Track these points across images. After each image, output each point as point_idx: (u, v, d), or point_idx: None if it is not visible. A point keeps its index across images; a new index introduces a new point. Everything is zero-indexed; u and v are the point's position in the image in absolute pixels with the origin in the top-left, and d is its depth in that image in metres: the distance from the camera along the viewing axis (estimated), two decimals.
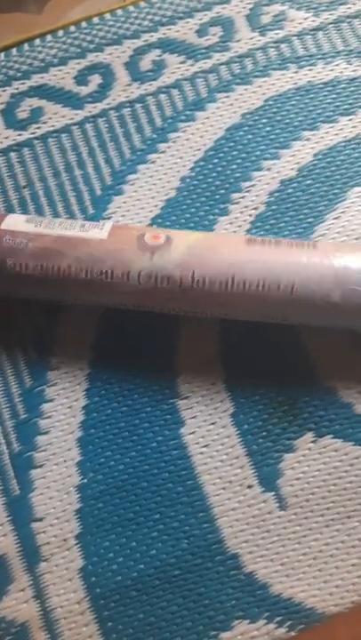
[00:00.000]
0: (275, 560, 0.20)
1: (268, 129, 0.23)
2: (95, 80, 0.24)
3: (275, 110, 0.23)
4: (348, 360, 0.21)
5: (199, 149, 0.23)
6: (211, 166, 0.23)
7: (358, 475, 0.20)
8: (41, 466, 0.20)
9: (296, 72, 0.24)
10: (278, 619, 0.19)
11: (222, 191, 0.23)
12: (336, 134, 0.23)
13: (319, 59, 0.24)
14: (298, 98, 0.23)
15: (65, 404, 0.21)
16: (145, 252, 0.19)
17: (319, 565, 0.20)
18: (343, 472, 0.20)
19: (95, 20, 0.25)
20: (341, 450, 0.20)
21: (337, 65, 0.24)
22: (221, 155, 0.23)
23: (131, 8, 0.25)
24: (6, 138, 0.23)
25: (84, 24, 0.25)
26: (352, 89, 0.23)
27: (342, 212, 0.22)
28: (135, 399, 0.21)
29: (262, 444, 0.21)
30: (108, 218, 0.23)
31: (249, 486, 0.20)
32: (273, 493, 0.20)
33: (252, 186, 0.23)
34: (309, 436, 0.21)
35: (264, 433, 0.21)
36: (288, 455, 0.20)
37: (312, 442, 0.21)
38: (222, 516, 0.20)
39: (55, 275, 0.19)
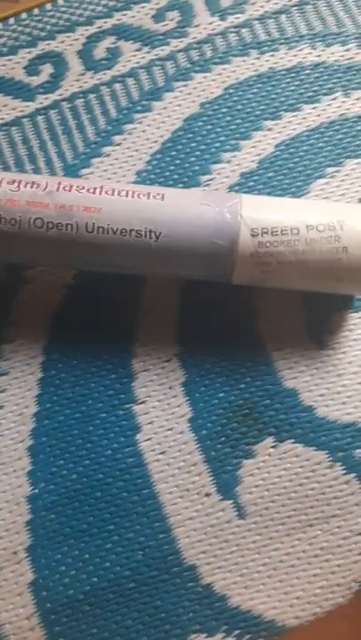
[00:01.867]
0: (233, 571, 0.19)
1: (228, 119, 0.22)
2: (47, 70, 0.23)
3: (235, 99, 0.22)
4: (310, 362, 0.20)
5: (156, 141, 0.22)
6: (168, 159, 0.22)
7: (320, 481, 0.19)
8: None
9: (258, 58, 0.23)
10: (237, 632, 0.19)
11: (180, 185, 0.22)
12: (299, 123, 0.22)
13: (282, 44, 0.23)
14: (259, 85, 0.22)
15: (15, 412, 0.20)
16: None
17: (280, 576, 0.19)
18: (305, 478, 0.19)
19: (48, 6, 0.23)
20: (303, 455, 0.20)
21: (300, 50, 0.23)
22: (179, 147, 0.22)
23: None
24: None
25: (35, 10, 0.23)
26: (316, 75, 0.22)
27: None
28: (89, 405, 0.20)
29: (221, 450, 0.20)
30: None
31: (207, 494, 0.19)
32: (231, 502, 0.19)
33: (212, 179, 0.22)
34: (270, 440, 0.20)
35: (223, 438, 0.20)
36: (247, 461, 0.20)
37: (272, 447, 0.20)
38: (179, 526, 0.19)
39: None
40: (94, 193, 0.18)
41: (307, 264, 0.17)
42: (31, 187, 0.18)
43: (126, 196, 0.18)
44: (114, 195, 0.18)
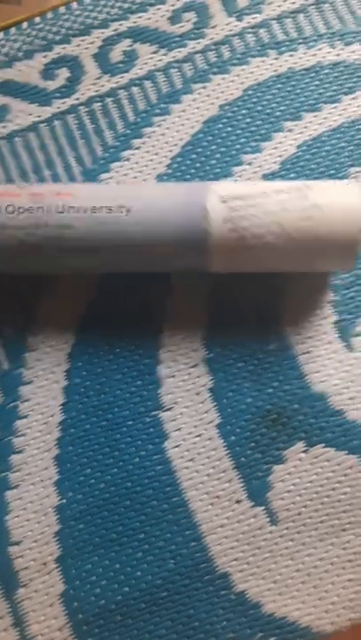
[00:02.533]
0: (267, 578, 0.19)
1: (248, 120, 0.22)
2: (63, 74, 0.22)
3: (255, 100, 0.22)
4: (339, 365, 0.20)
5: (176, 145, 0.22)
6: (188, 162, 0.22)
7: (352, 485, 0.19)
8: (16, 487, 0.19)
9: (276, 58, 0.22)
10: (272, 639, 0.18)
11: None
12: (320, 123, 0.22)
13: (300, 43, 0.22)
14: (279, 86, 0.22)
15: (40, 421, 0.20)
16: None
17: (314, 582, 0.19)
18: (336, 483, 0.19)
19: (62, 9, 0.23)
20: (334, 459, 0.19)
21: (319, 49, 0.22)
22: (199, 150, 0.22)
23: None
24: None
25: (49, 14, 0.23)
26: (336, 74, 0.22)
27: None
28: (115, 413, 0.20)
29: (250, 456, 0.19)
30: None
31: (237, 501, 0.19)
32: (263, 508, 0.19)
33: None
34: (300, 445, 0.19)
35: (252, 444, 0.20)
36: (278, 467, 0.19)
37: (303, 452, 0.19)
38: (210, 534, 0.19)
39: None
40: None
41: (283, 226, 0.17)
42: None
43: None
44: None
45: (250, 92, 0.22)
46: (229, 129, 0.22)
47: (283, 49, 0.22)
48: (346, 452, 0.19)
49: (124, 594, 0.19)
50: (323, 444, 0.19)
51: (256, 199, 0.18)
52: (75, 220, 0.18)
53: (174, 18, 0.23)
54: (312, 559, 0.19)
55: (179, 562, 0.19)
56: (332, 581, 0.19)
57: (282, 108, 0.22)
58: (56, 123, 0.22)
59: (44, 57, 0.23)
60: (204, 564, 0.19)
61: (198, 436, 0.20)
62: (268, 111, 0.22)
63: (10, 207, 0.18)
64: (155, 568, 0.19)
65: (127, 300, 0.20)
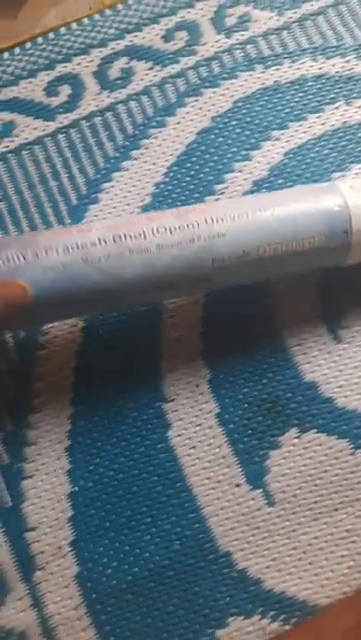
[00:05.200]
0: (266, 556, 0.20)
1: (238, 131, 0.23)
2: (65, 91, 0.24)
3: (244, 112, 0.24)
4: (328, 356, 0.21)
5: (172, 154, 0.23)
6: (184, 171, 0.23)
7: (343, 468, 0.21)
8: (31, 476, 0.21)
9: (263, 72, 0.24)
10: (272, 613, 0.20)
11: (196, 195, 0.23)
12: (305, 132, 0.23)
13: (285, 58, 0.24)
14: (266, 98, 0.24)
15: (51, 415, 0.21)
16: None
17: (309, 559, 0.20)
18: (328, 466, 0.21)
19: (62, 30, 0.25)
20: (325, 444, 0.21)
21: (303, 63, 0.24)
22: (194, 159, 0.23)
23: (97, 17, 0.25)
24: None
25: (51, 35, 0.25)
26: (319, 86, 0.24)
27: None
28: (121, 405, 0.21)
29: (248, 443, 0.21)
30: None
31: (237, 485, 0.21)
32: (261, 490, 0.21)
33: (225, 188, 0.23)
34: (294, 431, 0.21)
35: (249, 431, 0.21)
36: (274, 452, 0.21)
37: (296, 437, 0.21)
38: (212, 516, 0.20)
39: None
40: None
41: None
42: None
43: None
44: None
45: (239, 104, 0.24)
46: (221, 139, 0.23)
47: (269, 63, 0.24)
48: (336, 436, 0.21)
49: (134, 574, 0.20)
50: (315, 430, 0.21)
51: None
52: (225, 228, 0.18)
53: (167, 36, 0.24)
54: (307, 537, 0.20)
55: (184, 543, 0.20)
56: (326, 557, 0.20)
57: (269, 118, 0.23)
58: (60, 136, 0.24)
59: (47, 75, 0.24)
60: (207, 544, 0.20)
61: (199, 425, 0.21)
62: (257, 121, 0.23)
63: (160, 229, 0.18)
64: (162, 549, 0.20)
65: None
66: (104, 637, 0.20)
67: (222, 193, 0.23)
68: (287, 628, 0.20)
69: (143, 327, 0.22)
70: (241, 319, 0.22)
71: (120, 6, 0.25)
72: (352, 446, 0.21)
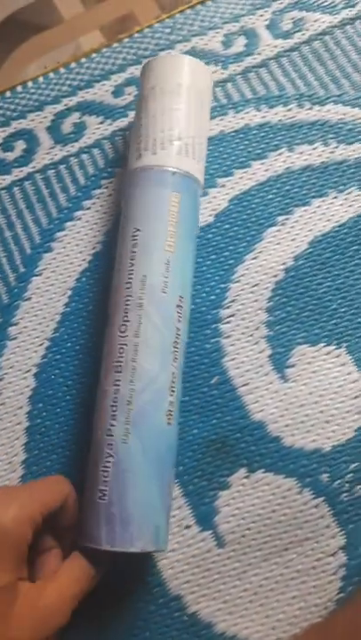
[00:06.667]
0: (217, 598, 0.20)
1: None
2: (20, 145, 0.25)
3: None
4: (275, 395, 0.22)
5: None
6: None
7: (291, 507, 0.21)
8: None
9: None
10: None
11: None
12: (250, 179, 0.24)
13: (230, 108, 0.25)
14: (211, 147, 0.25)
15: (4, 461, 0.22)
16: None
17: (260, 600, 0.20)
18: (277, 505, 0.21)
19: (19, 88, 0.26)
20: (274, 483, 0.21)
21: (247, 113, 0.25)
22: None
23: (51, 75, 0.26)
24: None
25: (8, 94, 0.26)
26: (262, 134, 0.25)
27: (260, 252, 0.23)
28: (75, 443, 0.22)
29: (198, 484, 0.21)
30: (39, 275, 0.23)
31: (187, 526, 0.21)
32: (211, 532, 0.21)
33: None
34: (242, 471, 0.21)
35: (199, 472, 0.21)
36: (223, 492, 0.21)
37: (245, 477, 0.21)
38: (162, 559, 0.20)
39: None
40: None
41: None
42: None
43: None
44: None
45: None
46: None
47: (214, 114, 0.25)
48: (284, 475, 0.21)
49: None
50: (263, 470, 0.21)
51: None
52: None
53: (117, 92, 0.26)
54: (258, 579, 0.20)
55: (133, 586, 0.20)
56: (277, 599, 0.20)
57: (215, 166, 0.24)
58: (15, 189, 0.25)
59: (3, 131, 0.25)
60: (157, 587, 0.20)
61: None
62: None
63: None
64: None
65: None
66: None
67: None
68: None
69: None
70: (189, 361, 0.22)
71: (73, 64, 0.26)
72: (299, 485, 0.21)
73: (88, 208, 0.24)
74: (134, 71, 0.26)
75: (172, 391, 0.19)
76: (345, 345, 0.22)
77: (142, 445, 0.18)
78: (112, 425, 0.18)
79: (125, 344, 0.19)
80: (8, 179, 0.25)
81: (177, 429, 0.19)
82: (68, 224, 0.24)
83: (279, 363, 0.22)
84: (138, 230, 0.19)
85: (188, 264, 0.20)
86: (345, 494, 0.21)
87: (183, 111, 0.21)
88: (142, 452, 0.18)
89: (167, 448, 0.19)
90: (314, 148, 0.24)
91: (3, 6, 0.31)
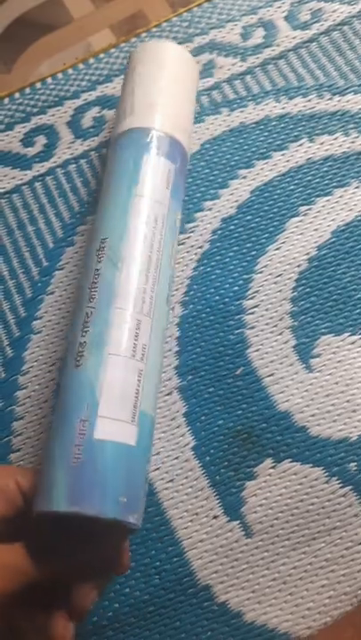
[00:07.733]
0: (246, 588, 0.20)
1: (206, 171, 0.24)
2: (41, 141, 0.25)
3: (211, 153, 0.25)
4: (301, 385, 0.22)
5: None
6: None
7: (319, 496, 0.21)
8: None
9: (228, 115, 0.25)
10: None
11: None
12: (271, 170, 0.24)
13: (249, 100, 0.25)
14: (232, 139, 0.25)
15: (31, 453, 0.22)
16: None
17: (290, 589, 0.20)
18: (304, 494, 0.21)
19: (38, 85, 0.26)
20: (300, 473, 0.21)
21: (266, 104, 0.25)
22: None
23: (69, 70, 0.26)
24: None
25: (27, 90, 0.26)
26: (282, 125, 0.25)
27: (283, 243, 0.23)
28: None
29: (225, 474, 0.21)
30: (62, 269, 0.24)
31: (215, 517, 0.21)
32: (238, 522, 0.21)
33: (196, 226, 0.24)
34: (269, 462, 0.21)
35: (226, 463, 0.21)
36: (250, 483, 0.21)
37: (272, 467, 0.21)
38: (191, 549, 0.21)
39: None
40: None
41: None
42: None
43: None
44: None
45: (207, 145, 0.25)
46: (190, 179, 0.24)
47: (234, 106, 0.25)
48: (310, 465, 0.21)
49: (115, 610, 0.20)
50: (289, 459, 0.21)
51: None
52: None
53: None
54: (287, 568, 0.20)
55: (163, 577, 0.20)
56: (306, 588, 0.20)
57: (236, 157, 0.24)
58: (36, 184, 0.25)
59: (24, 127, 0.26)
60: (186, 577, 0.20)
61: (176, 458, 0.21)
62: (224, 161, 0.24)
63: None
64: (141, 584, 0.20)
65: None
66: None
67: (193, 231, 0.24)
68: None
69: None
70: (214, 352, 0.22)
71: (91, 60, 0.26)
72: (327, 474, 0.21)
73: None
74: None
75: (85, 332, 0.17)
76: None
77: None
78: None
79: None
80: (29, 174, 0.25)
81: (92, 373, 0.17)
82: (90, 218, 0.24)
83: (304, 353, 0.22)
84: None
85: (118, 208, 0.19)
86: None
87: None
88: None
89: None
90: (335, 139, 0.24)
91: (13, 6, 0.31)
